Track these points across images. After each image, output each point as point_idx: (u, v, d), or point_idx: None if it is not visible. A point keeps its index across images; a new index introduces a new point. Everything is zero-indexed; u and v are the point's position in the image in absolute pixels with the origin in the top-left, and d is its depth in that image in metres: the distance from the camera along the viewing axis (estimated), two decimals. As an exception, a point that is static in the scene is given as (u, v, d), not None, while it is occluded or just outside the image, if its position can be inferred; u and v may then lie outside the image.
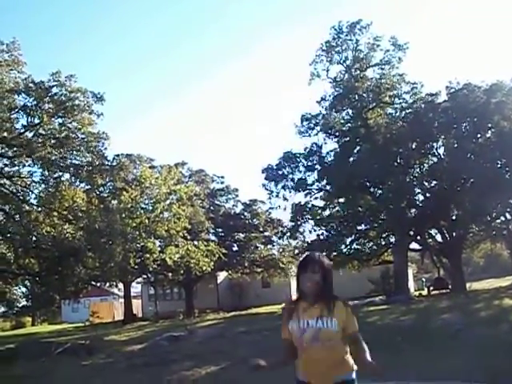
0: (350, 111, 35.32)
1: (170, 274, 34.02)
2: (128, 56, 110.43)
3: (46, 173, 25.63)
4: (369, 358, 3.96)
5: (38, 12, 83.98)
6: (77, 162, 25.76)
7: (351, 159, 34.29)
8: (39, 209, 26.10)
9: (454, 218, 34.66)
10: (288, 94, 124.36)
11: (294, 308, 4.13)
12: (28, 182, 26.37)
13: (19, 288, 41.02)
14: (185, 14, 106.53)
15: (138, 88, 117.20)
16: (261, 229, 46.14)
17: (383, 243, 36.98)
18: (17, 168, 25.84)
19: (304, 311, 4.02)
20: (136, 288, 51.60)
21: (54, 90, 24.22)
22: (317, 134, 35.84)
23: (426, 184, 34.56)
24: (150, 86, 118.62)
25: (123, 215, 25.86)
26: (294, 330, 4.01)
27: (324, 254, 4.24)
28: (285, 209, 36.83)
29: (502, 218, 36.85)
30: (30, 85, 23.93)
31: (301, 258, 4.27)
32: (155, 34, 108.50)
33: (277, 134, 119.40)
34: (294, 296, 4.28)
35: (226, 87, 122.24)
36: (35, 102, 24.03)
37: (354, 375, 3.99)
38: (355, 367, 3.99)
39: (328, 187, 35.44)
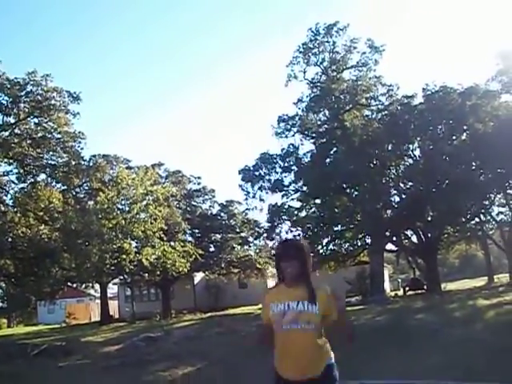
0: (327, 112, 35.44)
1: (147, 275, 33.80)
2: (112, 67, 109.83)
3: (22, 171, 25.42)
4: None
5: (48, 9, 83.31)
6: (53, 162, 25.62)
7: (328, 160, 34.48)
8: (15, 209, 25.88)
9: (429, 219, 34.99)
10: (265, 95, 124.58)
11: (274, 292, 4.15)
12: (4, 182, 26.14)
13: (-6, 289, 40.57)
14: (175, 25, 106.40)
15: (123, 96, 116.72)
16: (237, 229, 46.17)
17: (359, 244, 37.25)
18: (-8, 167, 25.63)
19: (285, 294, 4.02)
20: (112, 289, 51.27)
21: (30, 88, 24.05)
22: (293, 136, 36.05)
23: (402, 185, 34.85)
24: (137, 95, 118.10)
25: (100, 216, 25.74)
26: (274, 312, 4.00)
27: (300, 237, 4.21)
28: (261, 210, 37.11)
29: (477, 219, 37.32)
30: (5, 82, 23.69)
31: (278, 244, 4.22)
32: (141, 46, 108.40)
33: (254, 135, 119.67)
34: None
35: (206, 91, 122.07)
36: (10, 100, 23.81)
37: (332, 360, 4.00)
38: (332, 354, 4.00)
39: (304, 188, 35.59)
